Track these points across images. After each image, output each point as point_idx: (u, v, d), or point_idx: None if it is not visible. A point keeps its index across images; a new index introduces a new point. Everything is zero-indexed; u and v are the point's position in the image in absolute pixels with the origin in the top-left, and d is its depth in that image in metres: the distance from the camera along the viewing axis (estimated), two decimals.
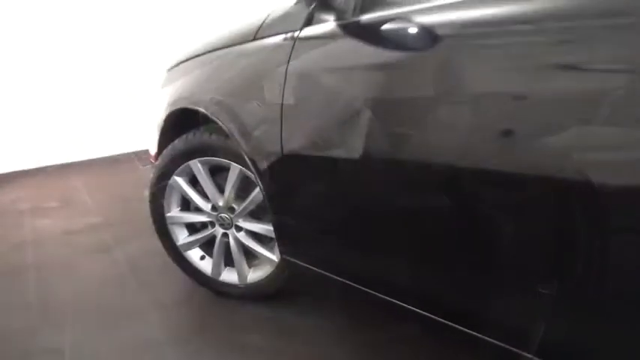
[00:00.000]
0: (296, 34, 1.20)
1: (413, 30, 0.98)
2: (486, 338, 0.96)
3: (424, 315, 1.08)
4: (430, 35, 0.94)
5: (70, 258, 2.16)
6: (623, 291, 0.76)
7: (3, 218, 2.74)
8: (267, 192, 1.35)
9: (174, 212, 1.70)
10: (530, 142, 0.79)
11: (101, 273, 2.00)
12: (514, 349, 0.91)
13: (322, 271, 1.32)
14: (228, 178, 1.52)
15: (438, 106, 0.92)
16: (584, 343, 0.85)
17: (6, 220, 2.70)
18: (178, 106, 1.59)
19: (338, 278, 1.29)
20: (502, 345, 0.94)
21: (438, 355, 1.35)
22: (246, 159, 1.36)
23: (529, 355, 0.89)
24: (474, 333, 0.99)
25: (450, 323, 1.03)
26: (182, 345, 1.51)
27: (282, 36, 1.24)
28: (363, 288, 1.22)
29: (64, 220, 2.63)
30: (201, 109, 1.46)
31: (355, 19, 1.07)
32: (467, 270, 0.99)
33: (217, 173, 1.58)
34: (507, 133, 0.82)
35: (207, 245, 1.71)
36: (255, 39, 1.34)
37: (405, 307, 1.13)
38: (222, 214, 1.59)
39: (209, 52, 1.53)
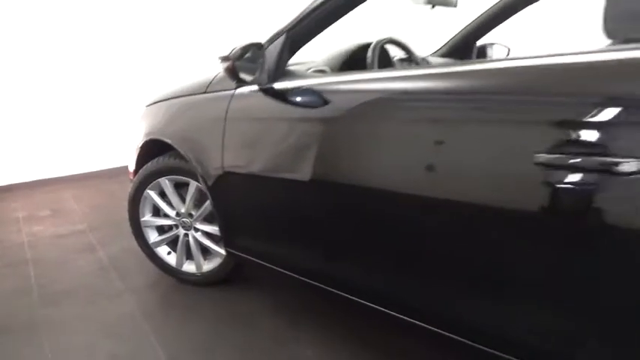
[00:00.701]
0: (232, 92, 1.73)
1: (305, 94, 1.51)
2: (373, 305, 1.45)
3: (327, 290, 1.58)
4: (318, 98, 1.47)
5: (61, 256, 2.63)
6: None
7: (4, 224, 3.19)
8: (214, 201, 1.87)
9: (147, 217, 2.20)
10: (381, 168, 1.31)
11: (87, 267, 2.48)
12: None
13: (253, 259, 1.84)
14: (188, 192, 2.03)
15: (313, 141, 1.45)
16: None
17: (6, 225, 3.16)
18: (151, 137, 2.10)
19: (264, 263, 1.80)
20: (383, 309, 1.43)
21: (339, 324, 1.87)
22: (200, 177, 1.87)
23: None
24: (364, 301, 1.47)
25: (341, 293, 1.53)
26: (151, 318, 1.99)
27: (224, 92, 1.77)
28: (286, 271, 1.73)
29: (55, 227, 3.10)
30: (168, 140, 1.98)
31: (269, 85, 1.61)
32: (358, 255, 1.48)
33: (180, 187, 2.09)
34: (360, 159, 1.35)
35: (173, 243, 2.21)
36: (206, 92, 1.86)
37: (308, 282, 1.65)
38: (184, 219, 2.10)
39: (176, 97, 2.05)
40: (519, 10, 2.41)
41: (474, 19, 2.59)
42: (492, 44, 2.74)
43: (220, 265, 2.11)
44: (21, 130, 4.07)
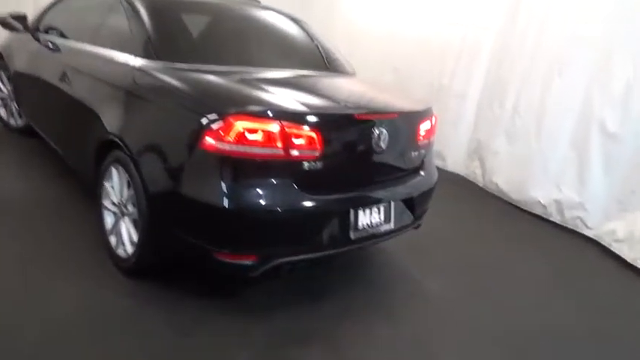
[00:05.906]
0: (22, 33, 3.78)
1: (43, 43, 3.58)
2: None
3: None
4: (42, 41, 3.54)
5: None
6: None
7: None
8: (11, 82, 3.97)
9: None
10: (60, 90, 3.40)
11: None
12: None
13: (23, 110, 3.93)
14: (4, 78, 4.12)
15: (40, 58, 3.53)
16: None
17: None
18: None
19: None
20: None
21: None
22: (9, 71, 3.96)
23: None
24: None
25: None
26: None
27: (19, 33, 3.81)
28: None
29: None
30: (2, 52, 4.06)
31: (32, 33, 3.66)
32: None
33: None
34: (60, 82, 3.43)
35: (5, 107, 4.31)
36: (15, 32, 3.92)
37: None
38: (2, 96, 4.18)
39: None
40: None
41: None
42: None
43: (24, 121, 4.20)
44: None
